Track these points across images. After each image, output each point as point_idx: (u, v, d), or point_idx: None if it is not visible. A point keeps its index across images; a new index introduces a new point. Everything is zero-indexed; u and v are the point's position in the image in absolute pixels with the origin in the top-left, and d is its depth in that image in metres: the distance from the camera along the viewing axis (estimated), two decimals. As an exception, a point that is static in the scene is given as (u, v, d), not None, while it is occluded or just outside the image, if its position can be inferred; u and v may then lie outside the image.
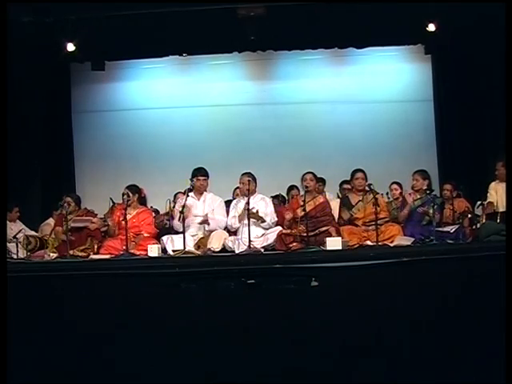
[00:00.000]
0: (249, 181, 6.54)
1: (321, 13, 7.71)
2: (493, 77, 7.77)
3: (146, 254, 6.04)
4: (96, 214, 7.04)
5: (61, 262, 6.02)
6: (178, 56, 9.17)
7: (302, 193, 6.93)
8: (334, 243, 5.82)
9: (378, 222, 6.15)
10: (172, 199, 7.06)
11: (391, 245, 6.01)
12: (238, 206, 6.66)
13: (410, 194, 6.70)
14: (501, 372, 4.34)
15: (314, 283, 5.09)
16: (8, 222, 6.88)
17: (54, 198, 7.58)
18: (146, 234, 6.59)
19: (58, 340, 5.13)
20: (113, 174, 9.41)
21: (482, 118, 8.59)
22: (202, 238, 6.49)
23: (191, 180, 6.66)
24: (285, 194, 8.03)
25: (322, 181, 7.73)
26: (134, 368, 5.09)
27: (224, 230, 6.64)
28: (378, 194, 6.48)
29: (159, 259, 5.93)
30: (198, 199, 6.75)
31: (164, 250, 6.27)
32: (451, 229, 6.25)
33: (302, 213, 6.29)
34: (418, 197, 6.63)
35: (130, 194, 6.68)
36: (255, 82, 9.78)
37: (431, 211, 6.21)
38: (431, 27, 7.92)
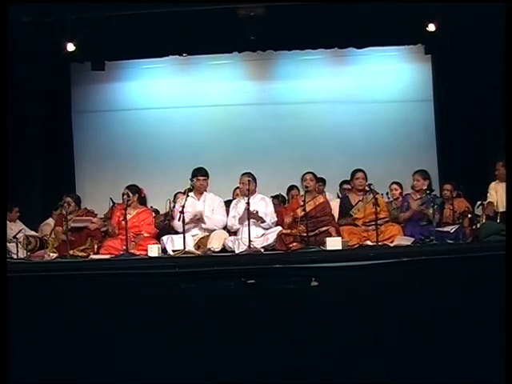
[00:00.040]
0: (249, 181, 6.54)
1: (321, 13, 7.70)
2: (493, 77, 7.77)
3: (146, 254, 6.04)
4: (96, 214, 7.04)
5: (61, 262, 6.02)
6: (178, 56, 9.17)
7: (301, 193, 6.93)
8: (333, 243, 5.83)
9: (378, 222, 6.15)
10: (172, 199, 7.07)
11: (391, 245, 6.01)
12: (238, 205, 6.66)
13: (415, 199, 6.66)
14: (501, 372, 4.34)
15: (314, 283, 5.09)
16: (8, 222, 6.88)
17: (54, 198, 7.59)
18: (146, 234, 6.60)
19: (58, 340, 5.13)
20: (113, 174, 9.41)
21: (481, 118, 8.59)
22: (201, 237, 6.49)
23: (191, 180, 6.66)
24: (285, 194, 8.03)
25: (322, 181, 7.73)
26: (134, 368, 5.09)
27: (224, 229, 6.64)
28: (377, 194, 6.49)
29: (159, 259, 5.93)
30: (198, 199, 6.75)
31: (164, 250, 6.27)
32: (451, 229, 6.25)
33: (302, 213, 6.29)
34: (418, 197, 6.64)
35: (130, 194, 6.68)
36: (255, 81, 9.78)
37: (430, 211, 6.21)
38: (431, 27, 7.91)
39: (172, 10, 7.45)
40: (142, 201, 6.90)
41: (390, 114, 9.51)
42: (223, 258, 5.95)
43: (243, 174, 6.71)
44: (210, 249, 6.27)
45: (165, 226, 6.99)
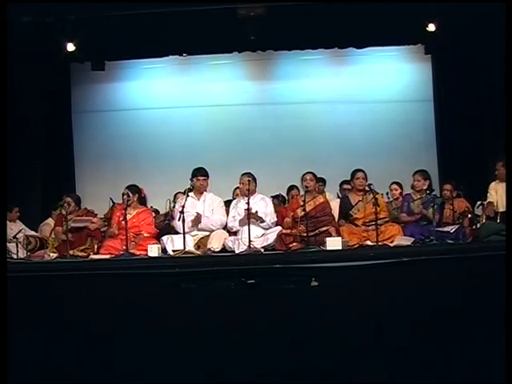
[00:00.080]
0: (249, 181, 6.54)
1: (321, 13, 7.70)
2: (493, 77, 7.77)
3: (146, 254, 6.04)
4: (96, 214, 7.05)
5: (61, 262, 6.02)
6: (178, 56, 9.17)
7: (301, 193, 6.93)
8: (334, 243, 5.83)
9: (378, 222, 6.15)
10: (172, 199, 7.07)
11: (391, 245, 6.01)
12: (238, 206, 6.66)
13: (415, 199, 6.65)
14: (501, 372, 4.34)
15: (314, 283, 5.09)
16: (8, 222, 6.88)
17: (54, 198, 7.58)
18: (146, 234, 6.59)
19: (58, 340, 5.12)
20: (113, 174, 9.41)
21: (481, 117, 8.58)
22: (201, 237, 6.49)
23: (191, 180, 6.66)
24: (285, 194, 8.03)
25: (322, 181, 7.73)
26: (134, 368, 5.09)
27: (224, 229, 6.64)
28: (377, 194, 6.49)
29: (159, 259, 5.93)
30: (198, 199, 6.75)
31: (164, 250, 6.27)
32: (451, 229, 6.25)
33: (302, 213, 6.29)
34: (419, 197, 6.64)
35: (130, 194, 6.68)
36: (255, 81, 9.78)
37: (430, 211, 6.21)
38: (431, 27, 7.91)
39: (172, 10, 7.45)
40: (142, 201, 6.90)
41: (390, 114, 9.51)
42: (223, 257, 5.95)
43: (243, 174, 6.71)
44: (210, 249, 6.27)
45: (165, 226, 6.99)
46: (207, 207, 6.71)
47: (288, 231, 6.35)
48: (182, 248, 6.05)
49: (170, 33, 8.16)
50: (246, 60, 9.44)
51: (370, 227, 6.32)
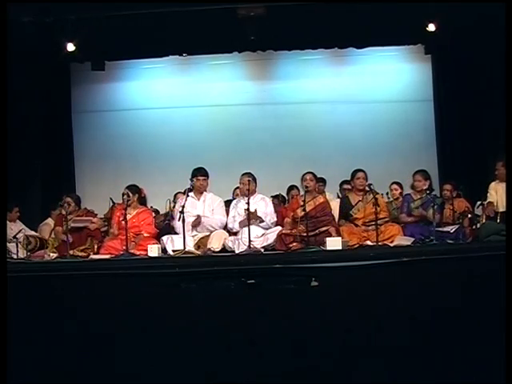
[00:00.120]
0: (249, 181, 6.54)
1: (321, 13, 7.70)
2: (493, 77, 7.76)
3: (146, 254, 6.03)
4: (96, 214, 7.05)
5: (61, 262, 6.02)
6: (178, 56, 9.17)
7: (302, 193, 6.93)
8: (334, 243, 5.82)
9: (378, 222, 6.15)
10: (172, 199, 7.07)
11: (391, 245, 6.01)
12: (238, 206, 6.66)
13: (415, 199, 6.65)
14: (501, 372, 4.34)
15: (314, 283, 5.08)
16: (8, 222, 6.88)
17: (53, 198, 7.59)
18: (145, 234, 6.59)
19: (58, 340, 5.12)
20: (113, 174, 9.41)
21: (481, 117, 8.58)
22: (201, 237, 6.49)
23: (191, 180, 6.66)
24: (285, 194, 8.03)
25: (322, 181, 7.74)
26: (134, 368, 5.09)
27: (224, 229, 6.64)
28: (377, 194, 6.49)
29: (159, 259, 5.93)
30: (198, 199, 6.75)
31: (164, 250, 6.27)
32: (451, 229, 6.25)
33: (302, 213, 6.28)
34: (419, 197, 6.64)
35: (130, 194, 6.68)
36: (255, 81, 9.79)
37: (430, 212, 6.21)
38: (431, 27, 7.91)
39: (172, 10, 7.44)
40: (142, 201, 6.89)
41: (390, 114, 9.51)
42: (223, 257, 5.95)
43: (243, 174, 6.71)
44: (209, 249, 6.27)
45: (165, 226, 6.99)
46: (207, 207, 6.71)
47: (288, 231, 6.34)
48: (181, 248, 6.05)
49: (170, 33, 8.16)
50: (246, 60, 9.45)
51: (370, 227, 6.32)
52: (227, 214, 6.76)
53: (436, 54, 9.30)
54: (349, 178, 7.01)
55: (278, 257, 5.83)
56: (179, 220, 6.16)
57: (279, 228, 6.47)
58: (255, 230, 6.28)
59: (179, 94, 9.79)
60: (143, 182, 7.16)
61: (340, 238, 6.00)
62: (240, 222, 6.50)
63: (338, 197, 7.73)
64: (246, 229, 6.02)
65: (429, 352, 4.97)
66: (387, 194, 7.46)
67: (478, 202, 6.68)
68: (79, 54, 8.29)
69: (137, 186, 6.85)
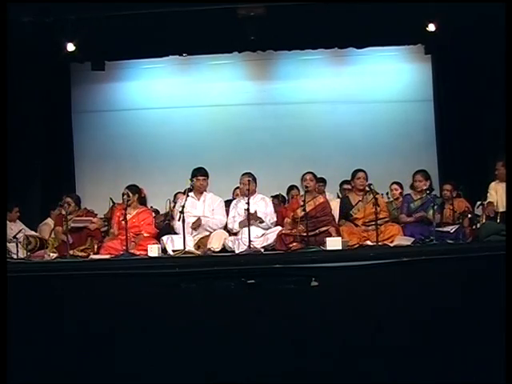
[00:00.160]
0: (249, 181, 6.54)
1: (321, 13, 7.70)
2: (493, 77, 7.76)
3: (146, 254, 6.03)
4: (96, 214, 7.05)
5: (61, 262, 6.01)
6: (178, 56, 9.17)
7: (302, 193, 6.93)
8: (334, 243, 5.82)
9: (378, 222, 6.15)
10: (172, 199, 7.07)
11: (391, 245, 6.01)
12: (238, 206, 6.66)
13: (415, 199, 6.65)
14: (501, 372, 4.34)
15: (314, 283, 5.08)
16: (8, 222, 6.88)
17: (53, 198, 7.60)
18: (145, 234, 6.59)
19: (58, 340, 5.12)
20: (113, 174, 9.41)
21: (481, 117, 8.58)
22: (201, 237, 6.49)
23: (191, 180, 6.66)
24: (285, 194, 8.03)
25: (322, 181, 7.74)
26: (134, 368, 5.09)
27: (224, 229, 6.64)
28: (378, 194, 6.49)
29: (159, 259, 5.93)
30: (198, 199, 6.75)
31: (164, 250, 6.26)
32: (451, 229, 6.24)
33: (302, 213, 6.28)
34: (419, 197, 6.64)
35: (130, 194, 6.68)
36: (255, 81, 9.79)
37: (431, 213, 6.21)
38: (431, 27, 7.91)
39: (172, 10, 7.44)
40: (142, 201, 6.89)
41: (390, 114, 9.51)
42: (223, 257, 5.95)
43: (243, 174, 6.71)
44: (209, 249, 6.27)
45: (165, 226, 6.99)
46: (207, 207, 6.71)
47: (288, 231, 6.34)
48: (182, 248, 6.05)
49: (170, 33, 8.16)
50: (246, 60, 9.45)
51: (370, 227, 6.32)
52: (227, 214, 6.75)
53: (436, 54, 9.30)
54: (349, 178, 7.01)
55: (278, 257, 5.83)
56: (179, 220, 6.16)
57: (279, 228, 6.47)
58: (255, 230, 6.28)
59: (179, 94, 9.79)
60: (143, 182, 7.16)
61: (340, 238, 6.00)
62: (240, 223, 6.50)
63: (338, 197, 7.73)
64: (245, 229, 6.02)
65: (429, 352, 4.97)
66: (387, 193, 7.46)
67: (478, 202, 6.68)
68: (79, 54, 8.29)
69: (137, 186, 6.85)
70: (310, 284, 5.09)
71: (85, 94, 9.75)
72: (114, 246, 6.37)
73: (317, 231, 6.32)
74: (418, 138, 9.45)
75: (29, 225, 7.44)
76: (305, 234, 6.15)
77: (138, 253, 6.17)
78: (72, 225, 6.52)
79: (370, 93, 9.58)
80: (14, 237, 6.55)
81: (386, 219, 6.55)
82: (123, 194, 6.69)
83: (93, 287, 5.22)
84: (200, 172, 6.73)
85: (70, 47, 8.03)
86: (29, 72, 8.45)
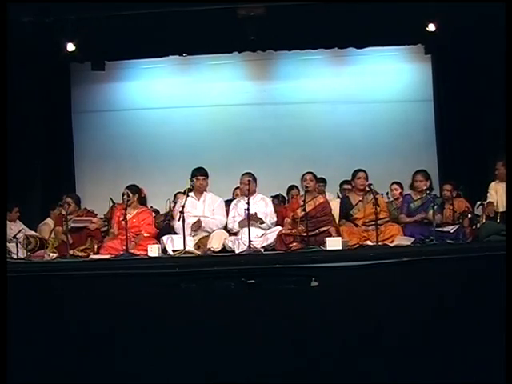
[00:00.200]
0: (249, 181, 6.53)
1: (321, 13, 7.70)
2: (493, 77, 7.76)
3: (146, 254, 6.03)
4: (96, 214, 7.05)
5: (61, 262, 6.01)
6: (178, 56, 9.17)
7: (302, 193, 6.93)
8: (334, 243, 5.82)
9: (378, 222, 6.15)
10: (172, 199, 7.07)
11: (391, 245, 6.01)
12: (238, 206, 6.66)
13: (415, 199, 6.65)
14: (501, 372, 4.34)
15: (314, 283, 5.09)
16: (8, 222, 6.88)
17: (53, 198, 7.59)
18: (145, 234, 6.59)
19: (58, 340, 5.13)
20: (113, 174, 9.41)
21: (481, 117, 8.58)
22: (201, 237, 6.49)
23: (191, 180, 6.66)
24: (285, 194, 8.03)
25: (323, 181, 7.74)
26: (134, 368, 5.09)
27: (224, 229, 6.64)
28: (378, 194, 6.48)
29: (159, 259, 5.93)
30: (198, 199, 6.75)
31: (164, 250, 6.26)
32: (451, 229, 6.25)
33: (302, 213, 6.28)
34: (419, 197, 6.63)
35: (130, 194, 6.68)
36: (255, 81, 9.79)
37: (431, 213, 6.20)
38: (431, 27, 7.91)
39: (172, 10, 7.44)
40: (142, 201, 6.89)
41: (390, 114, 9.51)
42: (223, 257, 5.95)
43: (243, 174, 6.71)
44: (209, 249, 6.27)
45: (165, 226, 6.99)
46: (207, 207, 6.71)
47: (288, 231, 6.34)
48: (182, 248, 6.05)
49: (170, 33, 8.16)
50: (246, 60, 9.45)
51: (370, 227, 6.32)
52: (227, 215, 6.75)
53: (436, 54, 9.30)
54: (349, 178, 7.01)
55: (278, 257, 5.83)
56: (179, 220, 6.15)
57: (279, 228, 6.47)
58: (255, 230, 6.29)
59: (179, 94, 9.78)
60: (143, 182, 7.16)
61: (340, 238, 6.00)
62: (240, 222, 6.50)
63: (338, 197, 7.73)
64: (245, 229, 6.02)
65: (429, 352, 4.97)
66: (387, 193, 7.46)
67: (478, 202, 6.68)
68: (79, 54, 8.29)
69: (137, 186, 6.85)
70: (309, 284, 5.09)
71: (85, 94, 9.75)
72: (114, 245, 6.38)
73: (317, 231, 6.32)
74: (418, 137, 9.45)
75: (29, 225, 7.44)
76: (305, 234, 6.15)
77: (138, 253, 6.17)
78: (72, 225, 6.52)
79: (370, 93, 9.58)
80: (14, 237, 6.55)
81: (386, 219, 6.55)
82: (123, 194, 6.69)
83: (93, 287, 5.22)
84: (200, 172, 6.73)
85: (70, 47, 8.03)
86: (29, 72, 8.46)
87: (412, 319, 5.01)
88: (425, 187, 6.54)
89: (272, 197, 7.46)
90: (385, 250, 5.76)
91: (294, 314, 5.05)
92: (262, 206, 6.68)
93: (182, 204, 6.30)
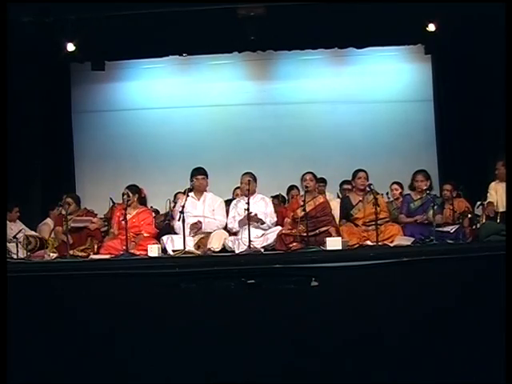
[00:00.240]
0: (249, 181, 6.53)
1: (321, 13, 7.70)
2: (493, 77, 7.76)
3: (146, 254, 6.03)
4: (96, 214, 7.05)
5: (61, 262, 6.01)
6: (178, 56, 9.17)
7: (302, 193, 6.93)
8: (334, 243, 5.82)
9: (379, 222, 6.14)
10: (172, 199, 7.07)
11: (391, 245, 6.01)
12: (238, 206, 6.66)
13: (415, 199, 6.65)
14: (501, 372, 4.34)
15: (314, 283, 5.08)
16: (8, 222, 6.88)
17: (53, 198, 7.59)
18: (145, 234, 6.59)
19: (58, 340, 5.12)
20: (113, 174, 9.41)
21: (481, 117, 8.58)
22: (202, 237, 6.48)
23: (191, 180, 6.66)
24: (285, 194, 8.03)
25: (323, 181, 7.74)
26: (134, 368, 5.09)
27: (224, 230, 6.64)
28: (378, 194, 6.48)
29: (159, 259, 5.92)
30: (198, 199, 6.74)
31: (164, 250, 6.26)
32: (451, 229, 6.25)
33: (302, 213, 6.28)
34: (419, 197, 6.63)
35: (130, 194, 6.68)
36: (255, 81, 9.79)
37: (430, 212, 6.20)
38: (431, 27, 7.92)
39: (172, 10, 7.45)
40: (142, 201, 6.89)
41: (390, 114, 9.51)
42: (223, 257, 5.95)
43: (244, 174, 6.71)
44: (210, 249, 6.27)
45: (165, 226, 6.99)
46: (207, 207, 6.71)
47: (288, 231, 6.34)
48: (182, 248, 6.05)
49: (170, 33, 8.16)
50: (246, 60, 9.45)
51: (370, 227, 6.32)
52: (227, 215, 6.75)
53: (436, 54, 9.30)
54: (349, 178, 7.01)
55: (278, 257, 5.83)
56: (179, 220, 6.15)
57: (279, 228, 6.47)
58: (255, 230, 6.29)
59: (179, 94, 9.79)
60: (143, 182, 7.16)
61: (340, 238, 6.00)
62: (239, 221, 6.49)
63: (338, 197, 7.74)
64: (246, 229, 6.01)
65: (429, 352, 4.97)
66: (387, 194, 7.46)
67: (478, 202, 6.68)
68: (79, 54, 8.30)
69: (137, 186, 6.85)
70: (310, 284, 5.09)
71: (85, 94, 9.75)
72: (114, 245, 6.38)
73: (317, 231, 6.31)
74: (418, 137, 9.45)
75: (29, 225, 7.44)
76: (305, 234, 6.15)
77: (138, 253, 6.17)
78: (72, 225, 6.52)
79: (370, 93, 9.58)
80: (14, 237, 6.55)
81: (387, 219, 6.55)
82: (123, 194, 6.69)
83: (93, 287, 5.22)
84: (199, 171, 6.73)
85: (70, 47, 8.04)
86: (29, 72, 8.45)
87: (412, 319, 5.01)
88: (425, 187, 6.54)
89: (272, 197, 7.46)
90: (385, 249, 5.76)
91: (294, 313, 5.05)
92: (262, 205, 6.68)
93: (182, 204, 6.30)
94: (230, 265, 5.34)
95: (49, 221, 7.63)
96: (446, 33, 8.07)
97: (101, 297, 5.17)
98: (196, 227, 6.49)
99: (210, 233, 6.50)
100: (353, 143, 9.37)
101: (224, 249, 6.35)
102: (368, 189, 6.46)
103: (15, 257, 6.39)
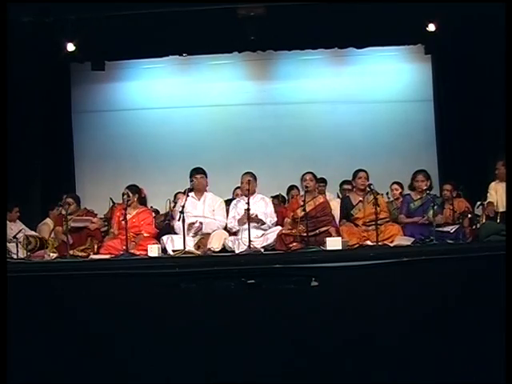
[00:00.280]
0: (249, 180, 6.53)
1: (321, 13, 7.70)
2: (493, 77, 7.76)
3: (146, 254, 6.03)
4: (96, 214, 7.05)
5: (61, 262, 6.01)
6: (178, 56, 9.17)
7: (302, 193, 6.93)
8: (334, 243, 5.82)
9: (379, 222, 6.14)
10: (172, 199, 7.07)
11: (391, 245, 6.01)
12: (238, 205, 6.66)
13: (415, 199, 6.66)
14: (501, 372, 4.34)
15: (314, 283, 5.08)
16: (8, 222, 6.88)
17: (54, 198, 7.59)
18: (145, 234, 6.59)
19: (58, 340, 5.13)
20: (113, 174, 9.41)
21: (481, 117, 8.58)
22: (201, 237, 6.49)
23: (190, 180, 6.66)
24: (285, 194, 8.03)
25: (323, 181, 7.74)
26: (134, 368, 5.09)
27: (224, 229, 6.64)
28: (378, 194, 6.48)
29: (159, 259, 5.92)
30: (198, 199, 6.74)
31: (164, 250, 6.26)
32: (451, 229, 6.25)
33: (302, 213, 6.28)
34: (418, 197, 6.63)
35: (130, 194, 6.68)
36: (255, 81, 9.79)
37: (430, 212, 6.20)
38: (431, 27, 7.92)
39: (172, 10, 7.45)
40: (142, 201, 6.89)
41: (390, 114, 9.51)
42: (223, 257, 5.95)
43: (244, 174, 6.71)
44: (210, 249, 6.27)
45: (165, 226, 6.99)
46: (207, 207, 6.71)
47: (288, 231, 6.34)
48: (182, 248, 6.05)
49: (170, 33, 8.16)
50: (246, 60, 9.45)
51: (370, 227, 6.31)
52: (227, 215, 6.75)
53: (436, 54, 9.30)
54: (349, 178, 7.01)
55: (278, 257, 5.83)
56: (179, 220, 6.15)
57: (279, 228, 6.47)
58: (255, 230, 6.29)
59: (179, 94, 9.79)
60: (143, 182, 7.16)
61: (340, 238, 6.00)
62: (239, 220, 6.49)
63: (338, 197, 7.74)
64: (246, 229, 6.01)
65: (429, 352, 4.97)
66: (387, 194, 7.46)
67: (478, 202, 6.68)
68: (79, 54, 8.30)
69: (137, 186, 6.85)
70: (310, 284, 5.09)
71: (85, 94, 9.75)
72: (114, 245, 6.38)
73: (317, 231, 6.32)
74: (418, 137, 9.45)
75: (29, 225, 7.44)
76: (305, 234, 6.15)
77: (138, 253, 6.17)
78: (72, 225, 6.52)
79: (370, 93, 9.58)
80: (14, 237, 6.55)
81: (387, 219, 6.54)
82: (123, 194, 6.70)
83: (93, 287, 5.22)
84: (197, 171, 6.72)
85: (70, 47, 8.04)
86: (29, 72, 8.45)
87: (412, 319, 5.01)
88: (425, 187, 6.54)
89: (272, 197, 7.46)
90: (385, 249, 5.76)
91: (294, 314, 5.05)
92: (262, 205, 6.68)
93: (182, 204, 6.30)
94: (229, 265, 5.34)
95: (49, 221, 7.63)
96: (445, 33, 8.08)
97: (101, 297, 5.17)
98: (197, 229, 6.48)
99: (210, 233, 6.50)
100: (353, 143, 9.37)
101: (224, 249, 6.35)
102: (368, 189, 6.46)
103: (15, 257, 6.39)
